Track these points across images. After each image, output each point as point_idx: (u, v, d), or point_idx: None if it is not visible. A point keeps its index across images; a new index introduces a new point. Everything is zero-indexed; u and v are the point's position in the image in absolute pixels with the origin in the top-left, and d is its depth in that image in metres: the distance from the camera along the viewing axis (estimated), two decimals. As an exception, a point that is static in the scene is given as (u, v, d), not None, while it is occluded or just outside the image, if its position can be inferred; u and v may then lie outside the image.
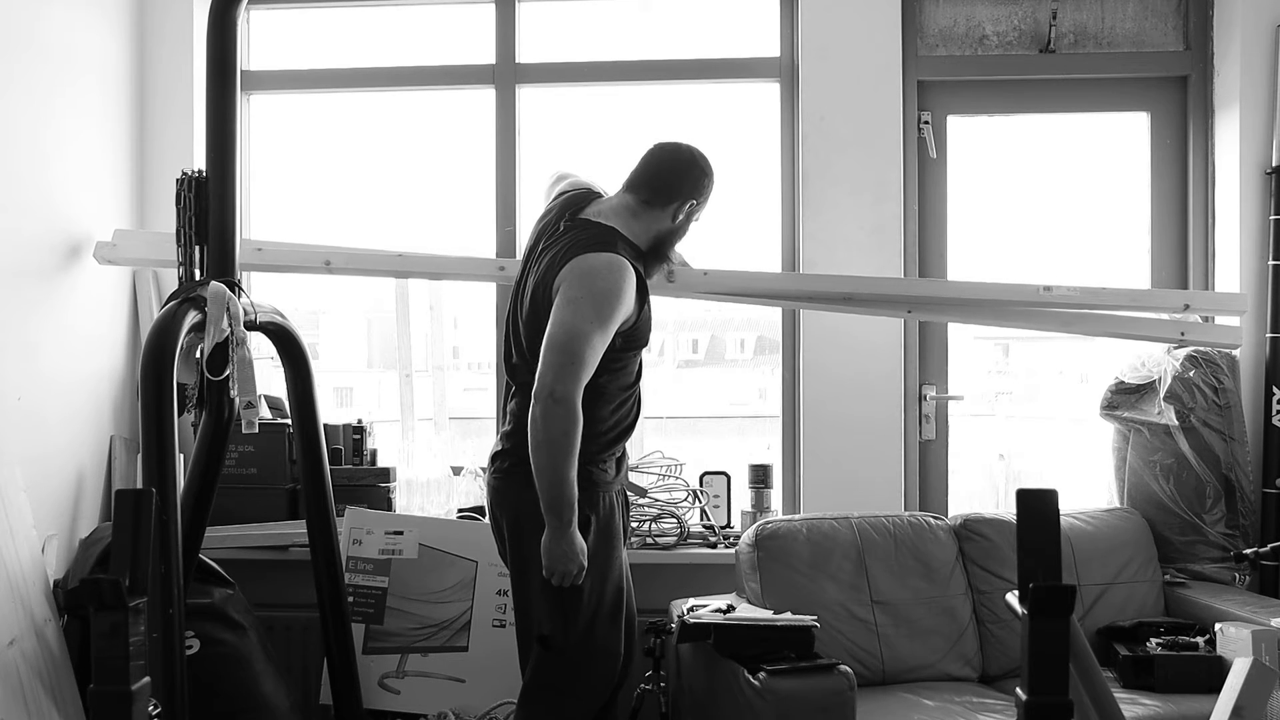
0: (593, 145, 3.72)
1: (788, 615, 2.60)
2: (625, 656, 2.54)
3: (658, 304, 2.63)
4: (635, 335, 2.44)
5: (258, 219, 3.74)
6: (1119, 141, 3.66)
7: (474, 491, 3.46)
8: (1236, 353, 3.31)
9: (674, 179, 2.50)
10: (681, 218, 2.53)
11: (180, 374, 2.44)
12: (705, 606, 2.68)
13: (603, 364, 2.35)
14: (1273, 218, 3.31)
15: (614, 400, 2.45)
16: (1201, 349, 3.29)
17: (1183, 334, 3.01)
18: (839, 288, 3.14)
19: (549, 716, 2.42)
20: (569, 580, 2.32)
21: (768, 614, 2.64)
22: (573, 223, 2.49)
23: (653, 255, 2.54)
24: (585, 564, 2.32)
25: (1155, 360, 3.27)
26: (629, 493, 3.25)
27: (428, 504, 3.65)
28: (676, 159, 2.52)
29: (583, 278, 2.32)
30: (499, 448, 2.50)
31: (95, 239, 3.26)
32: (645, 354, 2.57)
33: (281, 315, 2.84)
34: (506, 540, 2.47)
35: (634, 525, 3.33)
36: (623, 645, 2.47)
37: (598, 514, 2.40)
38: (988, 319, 3.17)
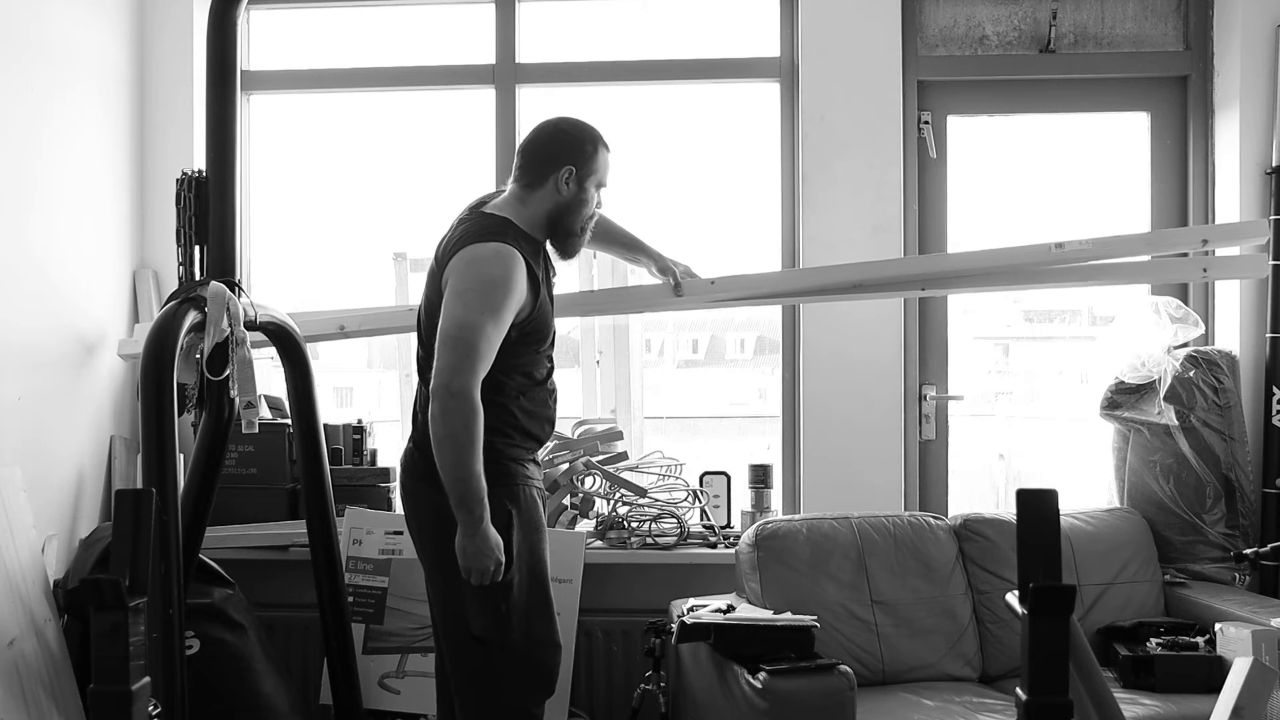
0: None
1: (788, 615, 2.60)
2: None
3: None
4: (532, 329, 2.39)
5: (258, 219, 3.74)
6: (1119, 141, 3.66)
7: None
8: (1236, 353, 3.32)
9: (542, 152, 2.45)
10: (570, 187, 2.43)
11: (180, 374, 2.44)
12: (705, 606, 2.68)
13: (504, 361, 2.32)
14: (1273, 218, 3.30)
15: (522, 395, 2.42)
16: (1202, 349, 3.29)
17: (1205, 270, 2.88)
18: (847, 276, 3.04)
19: (503, 716, 2.41)
20: (487, 578, 2.29)
21: (768, 614, 2.64)
22: (468, 215, 2.48)
23: (558, 233, 2.47)
24: (502, 559, 2.29)
25: (1155, 360, 3.27)
26: (629, 493, 3.28)
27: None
28: (539, 134, 2.49)
29: (469, 267, 2.29)
30: (408, 449, 2.48)
31: (95, 239, 3.26)
32: (555, 352, 2.53)
33: (282, 315, 2.84)
34: (422, 542, 2.46)
35: (634, 525, 3.34)
36: (559, 636, 2.45)
37: (519, 507, 2.38)
38: (1003, 284, 3.05)
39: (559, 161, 2.43)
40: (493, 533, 2.28)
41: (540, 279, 2.41)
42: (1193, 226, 2.98)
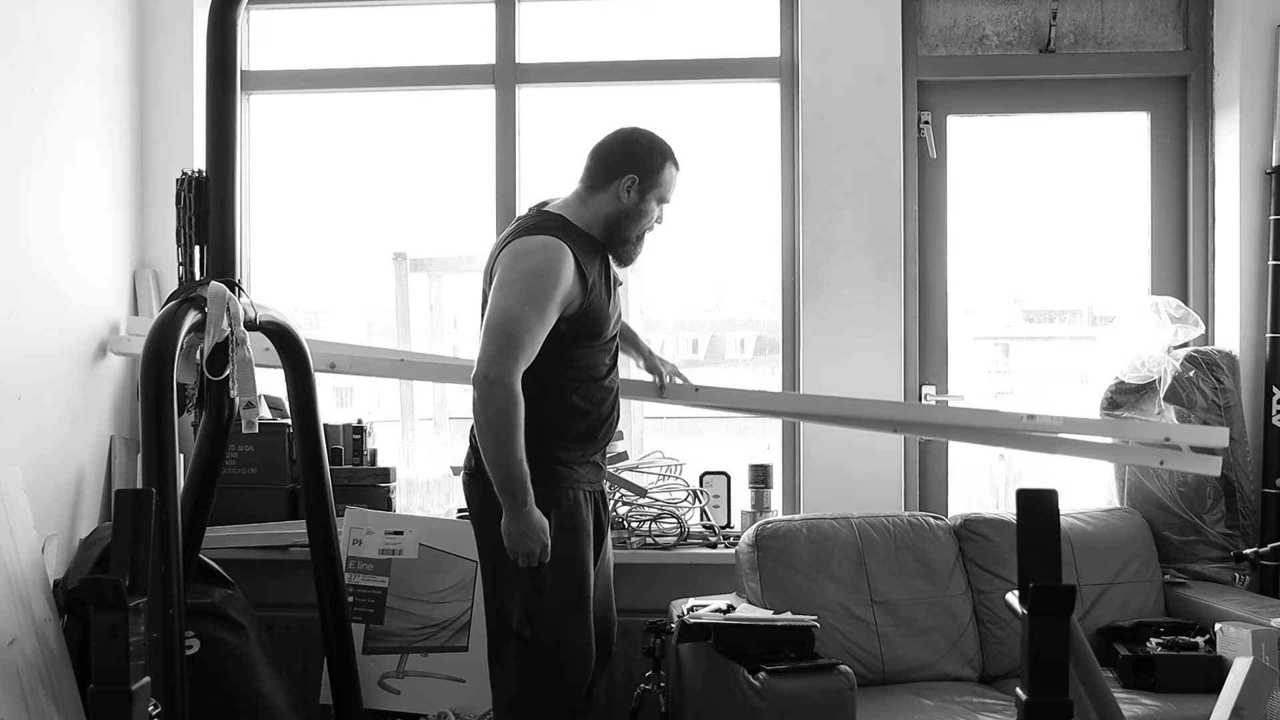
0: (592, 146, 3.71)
1: (788, 615, 2.60)
2: (601, 651, 2.55)
3: (658, 300, 2.63)
4: (584, 324, 2.41)
5: (258, 219, 3.74)
6: (1119, 141, 3.66)
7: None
8: (1236, 353, 3.32)
9: (609, 156, 2.51)
10: (631, 196, 2.48)
11: (180, 374, 2.44)
12: (705, 606, 2.68)
13: (557, 356, 2.35)
14: (1273, 218, 3.31)
15: (574, 393, 2.43)
16: (1202, 349, 3.29)
17: (1162, 461, 3.07)
18: (826, 409, 3.15)
19: (526, 714, 2.42)
20: (534, 559, 2.32)
21: (768, 614, 2.64)
22: (527, 213, 2.54)
23: (613, 239, 2.51)
24: (547, 541, 2.32)
25: (1155, 360, 3.27)
26: (629, 493, 3.28)
27: (428, 504, 3.65)
28: (612, 140, 2.54)
29: (515, 259, 2.34)
30: (469, 446, 2.51)
31: (95, 239, 3.26)
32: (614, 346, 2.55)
33: (282, 315, 2.84)
34: (476, 537, 2.50)
35: (634, 525, 3.34)
36: (594, 639, 2.47)
37: (560, 509, 2.39)
38: (974, 440, 3.22)
39: (624, 169, 2.48)
40: (537, 515, 2.31)
41: (594, 276, 2.43)
42: (1158, 423, 3.15)
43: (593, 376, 2.47)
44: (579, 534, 2.44)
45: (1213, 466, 3.04)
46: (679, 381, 2.98)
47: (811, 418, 3.23)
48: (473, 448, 2.43)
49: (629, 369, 3.12)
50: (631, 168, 2.48)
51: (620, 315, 2.65)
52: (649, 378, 2.97)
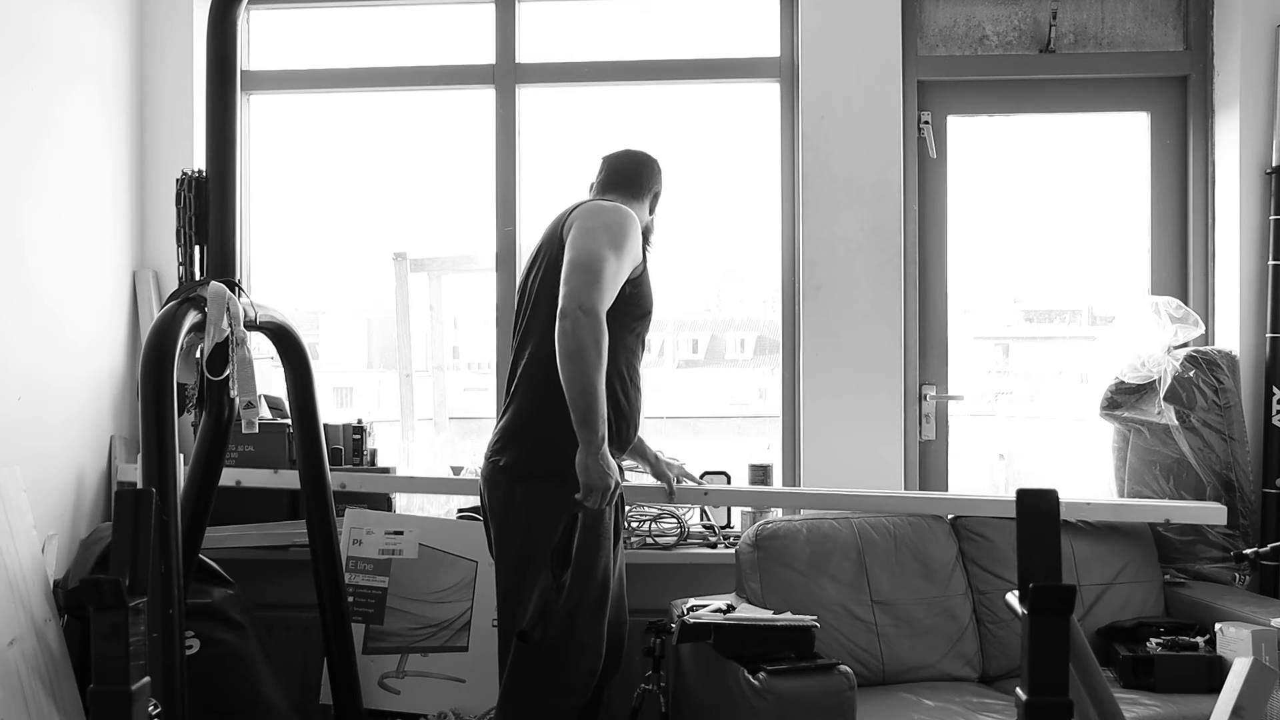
0: (593, 145, 3.71)
1: (788, 615, 2.60)
2: (611, 657, 2.55)
3: (657, 303, 2.63)
4: (638, 292, 2.49)
5: (258, 219, 3.74)
6: (1119, 141, 3.66)
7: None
8: (1236, 353, 3.32)
9: (643, 171, 2.69)
10: (653, 211, 2.72)
11: (180, 374, 2.44)
12: (705, 606, 2.68)
13: (614, 326, 2.37)
14: (1273, 218, 3.31)
15: (619, 389, 2.47)
16: (1202, 349, 3.29)
17: (1167, 520, 3.19)
18: (832, 505, 3.19)
19: (530, 714, 2.42)
20: (607, 499, 2.34)
21: (768, 614, 2.64)
22: (582, 201, 2.62)
23: None
24: (620, 480, 2.37)
25: (1155, 360, 3.27)
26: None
27: (428, 504, 3.65)
28: (635, 157, 2.72)
29: (595, 215, 2.45)
30: (495, 440, 2.51)
31: (95, 239, 3.26)
32: (647, 343, 2.61)
33: (281, 315, 2.84)
34: (493, 532, 2.49)
35: (634, 525, 3.33)
36: (604, 644, 2.47)
37: (585, 510, 2.39)
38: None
39: (650, 185, 2.69)
40: (609, 456, 2.34)
41: (646, 255, 2.56)
42: (1158, 503, 3.21)
43: (633, 367, 2.53)
44: (603, 536, 2.45)
45: (1218, 516, 3.14)
46: (687, 484, 3.10)
47: (815, 503, 3.26)
48: (508, 444, 2.44)
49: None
50: (655, 184, 2.70)
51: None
52: (656, 483, 3.05)
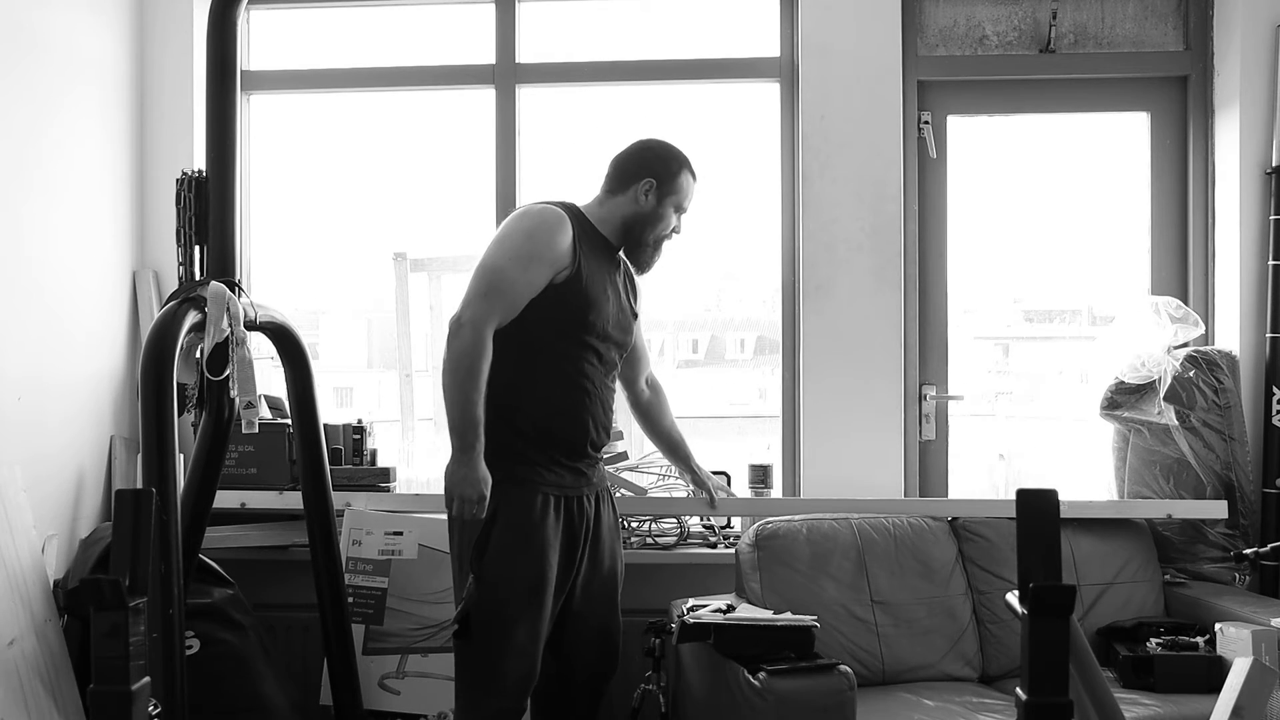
0: (593, 145, 3.71)
1: (788, 615, 2.60)
2: (604, 664, 2.56)
3: (658, 300, 2.64)
4: (567, 295, 2.40)
5: (258, 219, 3.74)
6: (1119, 142, 3.66)
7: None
8: (1236, 353, 3.32)
9: (630, 162, 2.59)
10: (649, 200, 2.54)
11: (180, 374, 2.44)
12: (705, 606, 2.68)
13: (536, 329, 2.37)
14: (1273, 218, 3.31)
15: (541, 387, 2.42)
16: (1202, 349, 3.29)
17: (1170, 515, 3.22)
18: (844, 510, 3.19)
19: (467, 714, 2.42)
20: (468, 510, 2.32)
21: (768, 614, 2.64)
22: None
23: (629, 241, 2.58)
24: (486, 495, 2.32)
25: (1155, 360, 3.27)
26: (629, 492, 3.28)
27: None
28: (630, 147, 2.63)
29: (513, 220, 2.46)
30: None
31: (95, 239, 3.26)
32: (608, 354, 2.53)
33: (281, 315, 2.84)
34: (449, 532, 2.50)
35: (634, 525, 3.33)
36: (539, 651, 2.41)
37: (509, 507, 2.37)
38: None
39: (642, 173, 2.56)
40: (482, 468, 2.32)
41: (593, 262, 2.46)
42: (1160, 500, 3.24)
43: (567, 371, 2.44)
44: (529, 540, 2.38)
45: (1219, 510, 3.15)
46: (723, 495, 3.08)
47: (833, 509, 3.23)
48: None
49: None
50: (649, 172, 2.56)
51: (633, 329, 2.63)
52: (698, 492, 3.04)
